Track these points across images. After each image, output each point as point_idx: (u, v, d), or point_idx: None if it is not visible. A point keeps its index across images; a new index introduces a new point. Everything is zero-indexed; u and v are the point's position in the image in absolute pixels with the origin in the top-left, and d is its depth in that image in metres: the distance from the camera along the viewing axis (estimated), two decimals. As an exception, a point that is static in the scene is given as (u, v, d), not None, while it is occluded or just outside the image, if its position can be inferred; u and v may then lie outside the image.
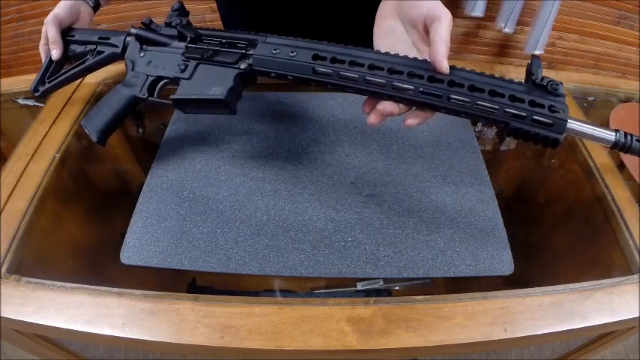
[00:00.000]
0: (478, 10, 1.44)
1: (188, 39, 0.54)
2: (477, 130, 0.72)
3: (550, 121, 0.41)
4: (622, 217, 0.53)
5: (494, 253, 0.50)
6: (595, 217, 0.58)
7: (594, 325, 0.44)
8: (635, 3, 1.46)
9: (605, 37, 1.56)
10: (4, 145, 0.78)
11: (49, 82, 0.60)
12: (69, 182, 0.64)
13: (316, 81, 0.46)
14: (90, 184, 0.71)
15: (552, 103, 0.41)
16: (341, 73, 0.45)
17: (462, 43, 1.64)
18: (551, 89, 0.41)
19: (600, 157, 0.61)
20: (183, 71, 0.53)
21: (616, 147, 0.42)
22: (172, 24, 0.56)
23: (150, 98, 0.55)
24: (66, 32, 0.61)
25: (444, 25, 0.40)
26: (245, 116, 0.67)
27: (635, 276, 0.48)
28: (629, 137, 0.41)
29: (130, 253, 0.50)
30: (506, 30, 1.51)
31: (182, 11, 0.57)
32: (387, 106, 0.44)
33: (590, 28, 1.55)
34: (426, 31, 0.42)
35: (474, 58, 1.69)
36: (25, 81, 0.74)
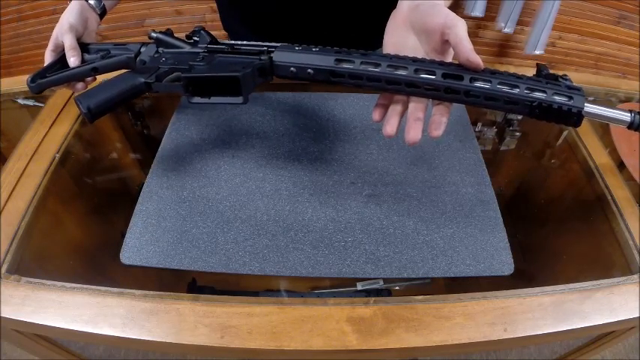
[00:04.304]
0: (478, 10, 1.44)
1: (209, 41, 0.54)
2: (477, 130, 0.72)
3: (570, 95, 0.42)
4: (622, 217, 0.53)
5: (494, 253, 0.50)
6: (595, 218, 0.58)
7: (594, 325, 0.44)
8: (635, 3, 1.46)
9: (605, 37, 1.56)
10: (4, 145, 0.78)
11: (49, 77, 0.57)
12: (69, 182, 0.64)
13: (338, 73, 0.46)
14: (90, 184, 0.71)
15: (567, 83, 0.43)
16: (364, 61, 0.45)
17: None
18: (562, 79, 0.43)
19: (600, 157, 0.61)
20: (199, 61, 0.51)
21: (632, 127, 0.42)
22: (193, 38, 0.55)
23: (157, 83, 0.51)
24: (79, 45, 0.60)
25: (461, 28, 0.42)
26: (245, 116, 0.67)
27: (635, 276, 0.48)
28: None
29: (130, 253, 0.50)
30: (506, 30, 1.51)
31: (204, 31, 0.56)
32: (399, 105, 0.45)
33: (590, 28, 1.55)
34: (442, 40, 0.43)
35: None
36: (25, 81, 0.74)
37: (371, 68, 0.45)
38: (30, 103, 0.74)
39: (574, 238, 0.64)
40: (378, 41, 0.63)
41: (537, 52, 1.52)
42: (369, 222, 0.53)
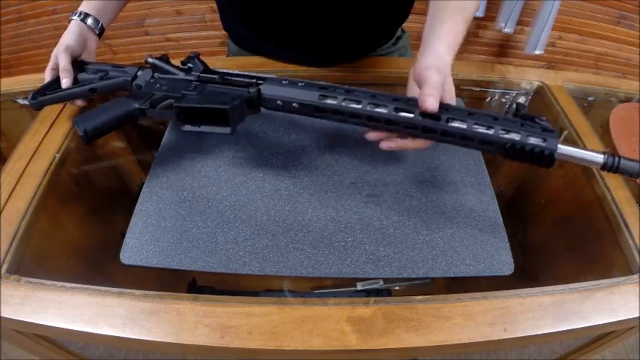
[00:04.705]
0: (478, 10, 1.44)
1: (202, 69, 0.56)
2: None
3: (543, 137, 0.43)
4: (622, 217, 0.53)
5: (494, 253, 0.50)
6: (595, 217, 0.58)
7: (594, 325, 0.44)
8: (635, 3, 1.46)
9: (605, 37, 1.57)
10: (4, 145, 0.78)
11: (48, 94, 0.60)
12: (69, 182, 0.64)
13: (322, 108, 0.49)
14: (90, 184, 0.71)
15: (542, 125, 0.44)
16: (346, 98, 0.48)
17: (462, 43, 1.65)
18: (538, 120, 0.45)
19: (600, 157, 0.61)
20: (191, 89, 0.54)
21: (605, 168, 0.44)
22: (187, 65, 0.58)
23: (151, 109, 0.54)
24: (78, 63, 0.62)
25: (431, 78, 0.45)
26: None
27: (635, 276, 0.48)
28: (616, 158, 0.43)
29: (130, 253, 0.50)
30: (506, 30, 1.52)
31: (197, 58, 0.59)
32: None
33: (590, 28, 1.55)
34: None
35: (474, 58, 1.70)
36: (26, 81, 0.74)
37: (353, 105, 0.47)
38: (30, 103, 0.74)
39: (574, 238, 0.64)
40: (377, 41, 0.62)
41: (537, 52, 1.52)
42: (369, 222, 0.53)
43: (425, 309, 0.44)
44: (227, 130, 0.50)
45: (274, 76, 0.53)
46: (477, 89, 0.74)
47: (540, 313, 0.44)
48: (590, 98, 0.76)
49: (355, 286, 0.66)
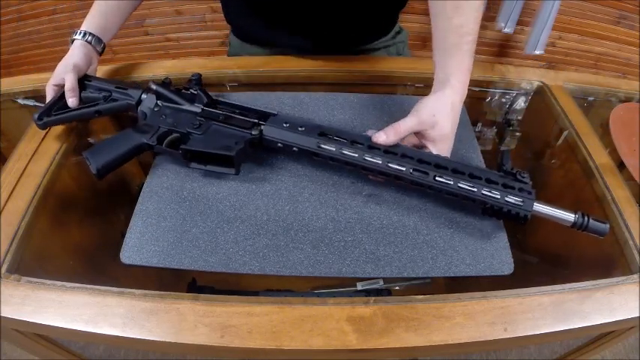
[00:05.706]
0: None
1: (205, 102, 0.58)
2: (477, 130, 0.72)
3: (520, 200, 0.47)
4: (622, 217, 0.53)
5: (494, 253, 0.50)
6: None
7: (594, 325, 0.44)
8: (635, 3, 1.46)
9: (605, 37, 1.57)
10: (4, 145, 0.78)
11: (54, 115, 0.60)
12: (69, 182, 0.64)
13: (319, 155, 0.52)
14: (90, 184, 0.71)
15: (521, 186, 0.48)
16: (342, 148, 0.51)
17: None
18: (519, 177, 0.48)
19: (600, 157, 0.61)
20: (196, 128, 0.56)
21: (575, 226, 0.47)
22: (190, 90, 0.59)
23: (158, 146, 0.56)
24: (80, 79, 0.63)
25: (405, 120, 0.51)
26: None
27: (635, 276, 0.48)
28: (586, 217, 0.47)
29: (131, 253, 0.50)
30: (506, 30, 1.52)
31: (199, 82, 0.60)
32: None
33: (590, 28, 1.55)
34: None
35: (474, 57, 1.69)
36: (26, 81, 0.74)
37: (348, 153, 0.51)
38: (30, 103, 0.74)
39: (574, 237, 0.64)
40: (377, 29, 0.62)
41: (537, 52, 1.52)
42: (369, 221, 0.53)
43: (425, 309, 0.44)
44: (232, 171, 0.54)
45: (276, 113, 0.56)
46: (477, 89, 0.74)
47: (540, 313, 0.44)
48: (590, 98, 0.76)
49: (355, 285, 0.66)
